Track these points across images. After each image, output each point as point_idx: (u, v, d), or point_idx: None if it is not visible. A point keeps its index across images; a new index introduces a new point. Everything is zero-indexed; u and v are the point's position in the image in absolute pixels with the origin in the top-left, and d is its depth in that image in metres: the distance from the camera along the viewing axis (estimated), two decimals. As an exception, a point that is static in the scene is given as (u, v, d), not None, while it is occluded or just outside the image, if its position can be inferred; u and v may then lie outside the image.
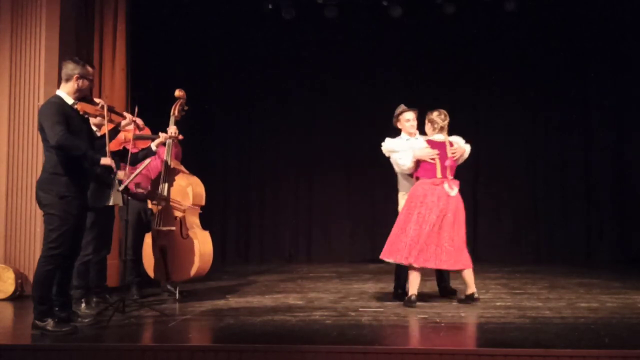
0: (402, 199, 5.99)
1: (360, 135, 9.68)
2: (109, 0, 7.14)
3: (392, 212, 9.62)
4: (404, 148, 5.81)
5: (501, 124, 9.65)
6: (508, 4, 8.67)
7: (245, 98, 9.89)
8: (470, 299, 5.64)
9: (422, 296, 6.07)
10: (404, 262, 5.55)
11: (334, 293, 6.47)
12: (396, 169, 5.96)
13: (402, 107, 6.12)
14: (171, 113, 6.11)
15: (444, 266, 5.60)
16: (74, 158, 4.51)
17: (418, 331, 4.75)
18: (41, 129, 4.52)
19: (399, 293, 5.95)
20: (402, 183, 6.04)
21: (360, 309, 5.46)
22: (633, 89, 9.28)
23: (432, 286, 6.34)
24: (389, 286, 6.79)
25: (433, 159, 5.61)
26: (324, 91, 9.77)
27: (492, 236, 9.61)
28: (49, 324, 4.45)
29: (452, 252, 5.53)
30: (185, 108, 6.17)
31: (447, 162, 5.62)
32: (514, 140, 9.67)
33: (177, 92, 6.13)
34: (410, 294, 5.56)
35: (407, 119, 6.04)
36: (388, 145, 5.95)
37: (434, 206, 5.52)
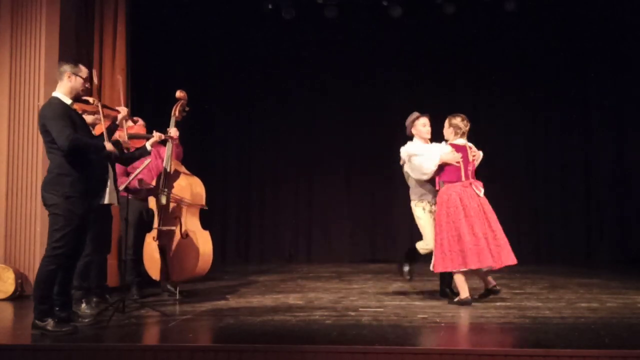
0: (417, 207, 5.97)
1: (360, 135, 9.69)
2: (109, 0, 7.14)
3: (391, 212, 9.67)
4: (428, 151, 5.80)
5: (501, 124, 9.65)
6: (508, 4, 8.67)
7: (245, 98, 9.89)
8: (491, 293, 5.67)
9: (421, 296, 6.08)
10: (462, 268, 5.52)
11: (334, 293, 6.47)
12: (413, 174, 5.90)
13: (416, 113, 6.08)
14: (172, 114, 6.11)
15: (495, 263, 5.55)
16: (79, 159, 4.52)
17: (418, 331, 4.75)
18: (44, 131, 4.52)
19: (447, 292, 6.01)
20: (415, 190, 5.99)
21: (360, 309, 5.46)
22: (633, 89, 9.29)
23: (433, 286, 6.35)
24: (389, 286, 6.81)
25: (458, 162, 5.67)
26: (324, 91, 9.77)
27: (492, 236, 9.59)
28: (49, 323, 4.46)
29: (501, 249, 5.57)
30: (187, 109, 6.17)
31: (470, 167, 5.71)
32: (514, 140, 9.67)
33: (178, 93, 6.12)
34: (464, 296, 5.57)
35: (423, 123, 6.00)
36: (409, 149, 5.90)
37: (471, 207, 5.57)
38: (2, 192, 6.52)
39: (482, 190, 5.69)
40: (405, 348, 4.10)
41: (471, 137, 8.95)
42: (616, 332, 4.52)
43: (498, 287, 5.71)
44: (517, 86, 9.68)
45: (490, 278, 5.72)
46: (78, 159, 4.51)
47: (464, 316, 5.17)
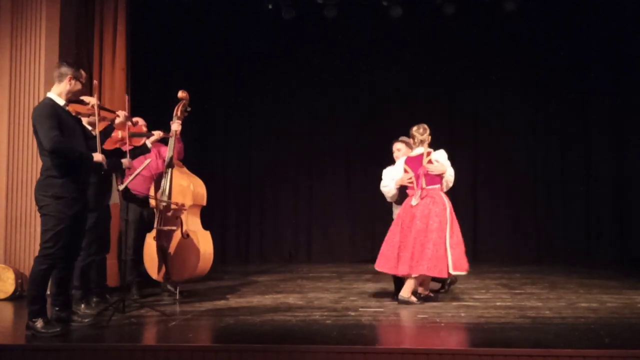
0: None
1: (360, 135, 9.69)
2: (108, 0, 7.14)
3: (391, 212, 9.66)
4: (388, 178, 6.09)
5: (501, 124, 9.65)
6: (508, 4, 8.66)
7: (245, 98, 9.89)
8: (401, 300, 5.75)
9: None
10: (391, 272, 5.87)
11: (334, 293, 6.47)
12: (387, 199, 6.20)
13: (401, 138, 6.27)
14: (174, 114, 6.11)
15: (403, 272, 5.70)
16: (69, 160, 4.52)
17: (418, 331, 4.75)
18: (35, 133, 4.54)
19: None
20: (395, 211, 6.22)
21: (360, 309, 5.47)
22: (633, 90, 9.27)
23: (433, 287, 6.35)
24: (389, 286, 6.79)
25: (410, 180, 5.84)
26: (324, 91, 9.77)
27: (492, 236, 9.61)
28: (38, 324, 4.47)
29: (408, 259, 5.64)
30: (188, 109, 6.17)
31: (420, 171, 5.80)
32: (514, 140, 9.67)
33: (180, 94, 6.12)
34: (420, 292, 5.85)
35: (396, 149, 6.25)
36: (383, 174, 6.21)
37: (402, 216, 5.80)
38: (2, 192, 6.52)
39: (417, 200, 5.73)
40: (405, 348, 4.10)
41: (471, 136, 9.02)
42: (616, 332, 4.53)
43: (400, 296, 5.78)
44: (517, 86, 9.67)
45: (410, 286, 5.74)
46: (67, 161, 4.52)
47: (464, 316, 5.17)
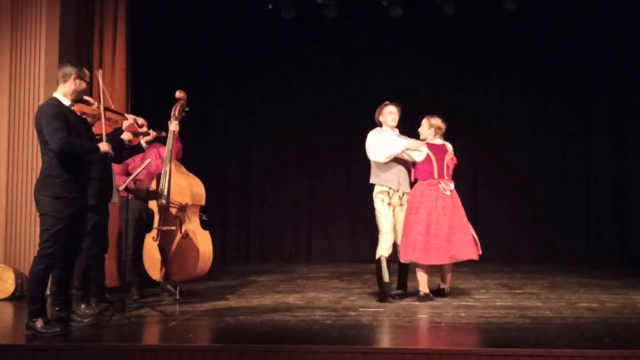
0: (377, 195, 6.21)
1: (360, 135, 9.62)
2: (109, 0, 7.14)
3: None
4: (395, 141, 6.09)
5: (501, 124, 9.65)
6: (508, 4, 8.66)
7: (245, 98, 9.88)
8: (440, 294, 5.90)
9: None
10: (418, 260, 5.78)
11: (334, 293, 6.47)
12: (372, 154, 6.19)
13: (387, 102, 6.35)
14: (172, 114, 6.12)
15: (453, 259, 5.79)
16: (70, 160, 4.52)
17: (418, 331, 4.75)
18: (39, 131, 4.53)
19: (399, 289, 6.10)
20: (375, 172, 6.26)
21: (360, 309, 5.47)
22: (633, 90, 9.28)
23: (432, 286, 6.35)
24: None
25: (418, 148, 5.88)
26: (324, 91, 9.76)
27: (492, 236, 9.59)
28: (38, 324, 4.47)
29: (459, 243, 5.74)
30: (186, 109, 6.18)
31: (451, 162, 5.92)
32: (514, 140, 9.67)
33: (178, 94, 6.13)
34: (421, 290, 5.83)
35: (390, 111, 6.26)
36: (378, 134, 6.26)
37: (432, 206, 5.76)
38: (2, 192, 6.52)
39: (449, 189, 5.84)
40: (405, 348, 4.10)
41: (471, 136, 9.00)
42: (616, 332, 4.53)
43: (447, 291, 5.96)
44: (517, 86, 9.67)
45: (448, 277, 5.98)
46: (70, 160, 4.52)
47: (464, 316, 5.17)
